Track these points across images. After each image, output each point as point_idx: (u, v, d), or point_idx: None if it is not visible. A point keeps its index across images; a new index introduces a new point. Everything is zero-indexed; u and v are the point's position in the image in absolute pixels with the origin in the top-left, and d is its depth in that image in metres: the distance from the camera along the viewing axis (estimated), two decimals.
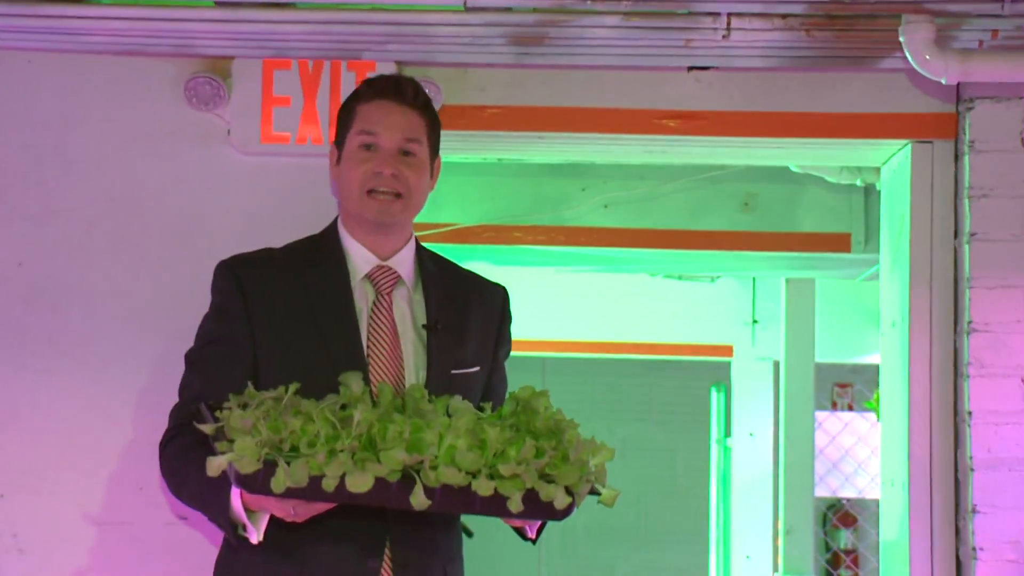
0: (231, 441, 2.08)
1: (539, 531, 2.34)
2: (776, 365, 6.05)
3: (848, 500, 8.27)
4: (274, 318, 2.35)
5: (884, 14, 2.84)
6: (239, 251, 2.48)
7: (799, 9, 2.84)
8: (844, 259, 4.75)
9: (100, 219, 3.02)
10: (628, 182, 4.54)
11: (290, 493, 2.07)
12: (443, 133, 2.50)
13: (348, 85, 3.02)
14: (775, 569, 6.11)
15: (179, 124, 3.05)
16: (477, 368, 2.41)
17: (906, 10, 2.82)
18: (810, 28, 2.88)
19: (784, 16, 2.87)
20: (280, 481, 2.05)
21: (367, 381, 2.26)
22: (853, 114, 3.11)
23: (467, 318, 2.43)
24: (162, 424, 2.94)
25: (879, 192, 3.48)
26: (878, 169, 3.45)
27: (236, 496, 2.18)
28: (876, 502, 4.85)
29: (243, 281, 2.37)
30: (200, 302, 2.91)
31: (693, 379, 8.36)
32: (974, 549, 2.98)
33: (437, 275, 2.46)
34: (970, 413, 3.02)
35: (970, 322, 3.03)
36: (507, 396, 2.31)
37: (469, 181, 4.48)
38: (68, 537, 2.94)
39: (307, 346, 2.32)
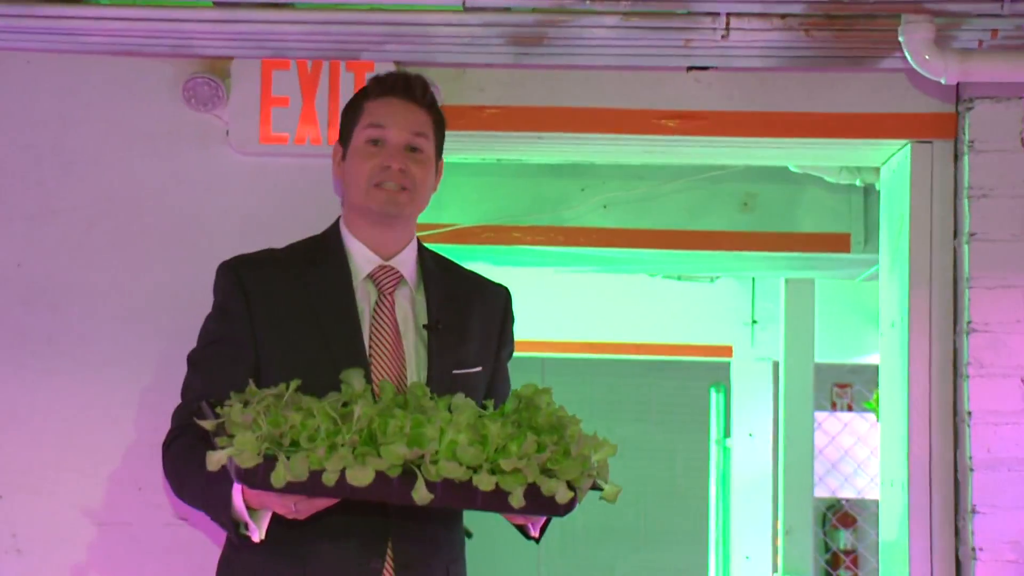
0: (231, 436, 2.07)
1: (542, 530, 2.33)
2: (775, 365, 6.05)
3: (847, 500, 8.27)
4: (276, 318, 2.35)
5: (883, 14, 2.84)
6: (238, 251, 2.48)
7: (798, 9, 2.84)
8: (843, 259, 4.75)
9: (99, 219, 3.02)
10: (627, 182, 4.54)
11: (291, 488, 2.06)
12: None
13: (347, 85, 3.02)
14: (774, 569, 6.11)
15: (178, 124, 3.04)
16: (479, 368, 2.41)
17: (906, 10, 2.82)
18: (809, 28, 2.88)
19: (783, 16, 2.87)
20: (280, 475, 2.04)
21: (369, 380, 2.26)
22: (852, 114, 3.11)
23: (469, 318, 2.43)
24: (162, 424, 2.94)
25: (878, 192, 3.48)
26: (877, 169, 3.45)
27: (238, 494, 2.17)
28: (875, 502, 4.85)
29: (245, 281, 2.37)
30: (199, 302, 2.91)
31: (692, 379, 8.36)
32: (974, 549, 2.98)
33: (439, 275, 2.46)
34: (970, 413, 3.01)
35: (969, 322, 3.03)
36: (510, 394, 2.30)
37: (468, 181, 4.48)
38: (67, 537, 2.94)
39: (309, 346, 2.33)
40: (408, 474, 2.08)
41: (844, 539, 8.65)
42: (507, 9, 2.86)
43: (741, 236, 4.63)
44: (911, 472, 3.07)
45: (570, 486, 2.12)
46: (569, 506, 2.12)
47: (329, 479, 2.05)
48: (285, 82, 3.03)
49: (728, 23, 2.88)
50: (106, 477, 2.95)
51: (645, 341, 6.31)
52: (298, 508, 2.14)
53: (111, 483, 2.96)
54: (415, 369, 2.36)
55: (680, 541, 8.83)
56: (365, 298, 2.39)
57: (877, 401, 3.51)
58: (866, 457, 7.16)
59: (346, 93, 3.01)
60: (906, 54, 2.87)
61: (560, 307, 5.98)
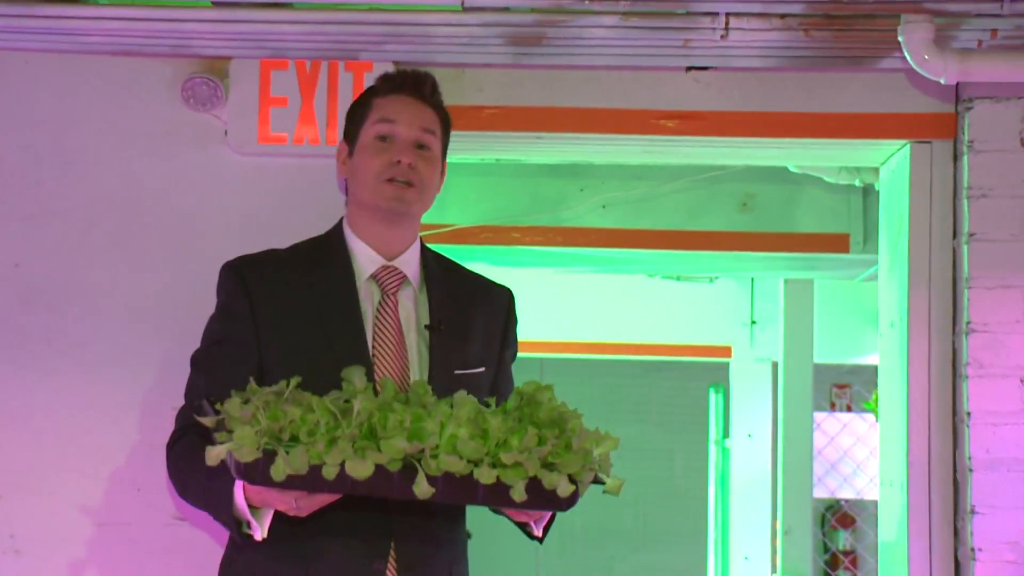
0: (230, 432, 2.07)
1: (546, 529, 2.33)
2: (774, 366, 6.05)
3: (846, 501, 8.28)
4: (280, 318, 2.35)
5: (883, 14, 2.84)
6: (237, 251, 2.47)
7: (798, 9, 2.84)
8: (843, 259, 4.75)
9: (98, 219, 3.02)
10: (626, 182, 4.54)
11: (291, 483, 2.06)
12: None
13: (346, 85, 3.02)
14: (773, 570, 6.11)
15: (176, 124, 3.04)
16: (482, 369, 2.41)
17: (905, 10, 2.81)
18: (809, 28, 2.88)
19: (783, 16, 2.87)
20: (280, 469, 2.04)
21: (372, 380, 2.25)
22: (852, 114, 3.11)
23: (471, 319, 2.43)
24: (161, 424, 2.94)
25: (878, 192, 3.48)
26: (877, 169, 3.44)
27: (239, 492, 2.17)
28: (874, 503, 4.85)
29: (248, 281, 2.37)
30: (198, 302, 2.91)
31: (691, 380, 8.37)
32: (973, 550, 2.98)
33: (441, 276, 2.46)
34: (969, 414, 3.01)
35: (969, 322, 3.03)
36: (512, 392, 2.29)
37: (467, 182, 4.48)
38: (66, 538, 2.94)
39: (312, 346, 2.32)
40: (409, 468, 2.07)
41: (843, 540, 8.65)
42: (506, 9, 2.86)
43: (740, 236, 4.63)
44: (910, 472, 3.07)
45: (572, 480, 2.11)
46: (571, 500, 2.11)
47: (329, 472, 2.04)
48: (284, 82, 3.03)
49: (727, 23, 2.87)
50: (105, 477, 2.95)
51: (644, 341, 6.32)
52: (299, 505, 2.13)
53: (110, 483, 2.95)
54: (418, 369, 2.35)
55: (679, 541, 8.83)
56: (368, 298, 2.38)
57: (876, 401, 3.51)
58: (865, 457, 7.16)
59: (345, 93, 3.01)
60: (905, 54, 2.86)
61: (559, 307, 5.98)
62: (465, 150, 3.32)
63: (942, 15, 2.82)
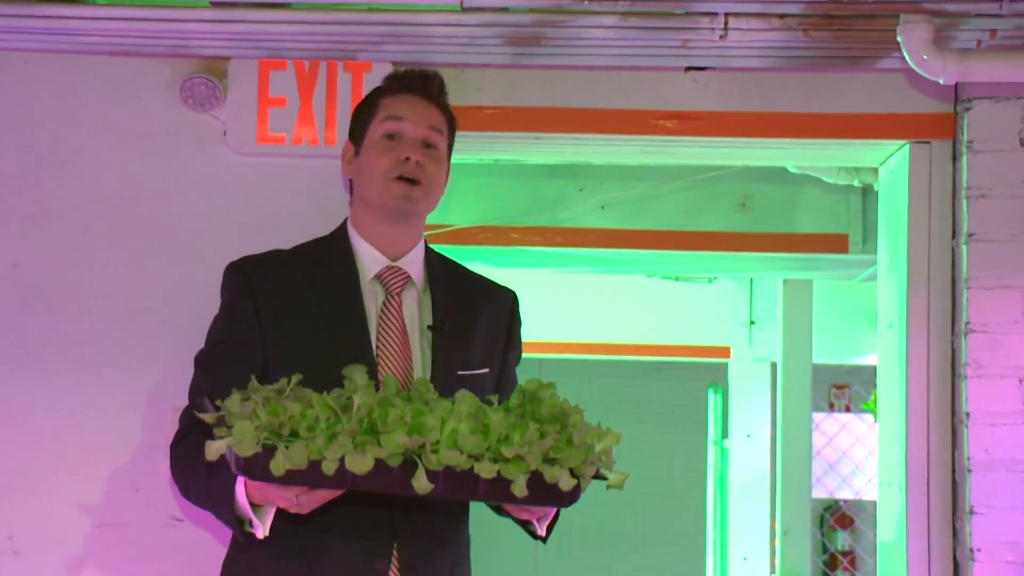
0: (231, 427, 2.07)
1: (549, 528, 2.32)
2: (773, 366, 6.05)
3: (845, 501, 8.27)
4: (283, 318, 2.35)
5: (882, 14, 2.84)
6: (235, 252, 2.47)
7: (797, 9, 2.84)
8: (842, 260, 4.75)
9: (96, 220, 3.02)
10: (625, 183, 4.54)
11: (291, 478, 2.05)
12: None
13: (344, 85, 3.02)
14: (772, 570, 6.11)
15: (175, 125, 3.04)
16: (485, 370, 2.41)
17: (904, 10, 2.81)
18: (808, 28, 2.88)
19: (782, 16, 2.86)
20: (279, 463, 2.03)
21: (375, 380, 2.25)
22: (851, 114, 3.11)
23: (474, 320, 2.43)
24: (160, 425, 2.95)
25: (877, 193, 3.48)
26: (876, 170, 3.44)
27: (240, 489, 2.17)
28: (873, 503, 4.84)
29: (253, 282, 2.37)
30: (197, 302, 2.91)
31: (690, 380, 8.36)
32: (971, 550, 2.98)
33: (445, 277, 2.46)
34: (967, 414, 3.01)
35: (968, 323, 3.03)
36: (515, 390, 2.28)
37: (465, 182, 4.48)
38: (64, 538, 2.94)
39: (316, 346, 2.32)
40: (409, 464, 2.07)
41: (842, 540, 8.65)
42: (505, 9, 2.85)
43: (739, 237, 4.63)
44: (909, 473, 3.07)
45: (573, 474, 2.10)
46: (573, 495, 2.11)
47: (328, 467, 2.04)
48: (282, 82, 3.03)
49: (726, 23, 2.87)
50: (104, 478, 2.95)
51: (643, 342, 6.31)
52: (300, 501, 2.13)
53: (108, 484, 2.95)
54: (421, 370, 2.36)
55: (678, 542, 8.83)
56: (372, 299, 2.39)
57: (875, 402, 3.51)
58: (864, 458, 7.16)
59: (344, 93, 3.01)
60: (904, 54, 2.86)
61: (558, 308, 5.98)
62: (464, 150, 3.30)
63: (941, 15, 2.82)
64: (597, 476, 2.16)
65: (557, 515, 2.33)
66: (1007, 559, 2.97)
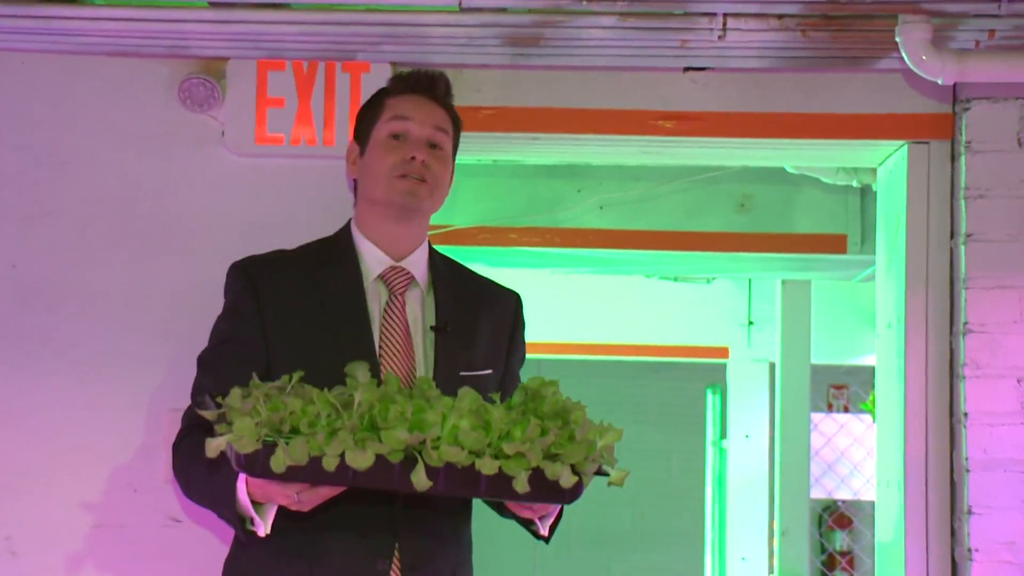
0: (231, 424, 2.06)
1: (552, 528, 2.32)
2: (772, 367, 6.05)
3: (843, 502, 8.27)
4: (287, 318, 2.35)
5: (880, 14, 2.84)
6: (233, 252, 2.47)
7: (795, 9, 2.84)
8: (840, 260, 4.75)
9: (94, 220, 3.02)
10: (624, 183, 4.54)
11: (291, 475, 2.05)
12: None
13: (343, 86, 3.02)
14: (770, 571, 6.11)
15: (173, 125, 3.04)
16: (488, 371, 2.41)
17: (903, 10, 2.81)
18: (806, 28, 2.88)
19: (780, 16, 2.86)
20: (279, 460, 2.03)
21: (377, 379, 2.24)
22: (849, 115, 3.11)
23: (478, 321, 2.43)
24: (158, 425, 2.95)
25: (875, 193, 3.48)
26: (874, 170, 3.44)
27: (242, 486, 2.16)
28: (872, 503, 4.85)
29: (256, 281, 2.37)
30: (195, 303, 2.91)
31: (689, 381, 8.36)
32: (969, 550, 2.98)
33: (449, 278, 2.46)
34: (966, 414, 3.01)
35: (966, 323, 3.03)
36: (517, 388, 2.27)
37: (464, 183, 4.48)
38: (62, 539, 2.94)
39: (319, 346, 2.32)
40: (410, 460, 2.06)
41: (840, 540, 8.65)
42: (503, 10, 2.85)
43: (737, 237, 4.63)
44: (907, 473, 3.07)
45: (574, 471, 2.10)
46: (575, 492, 2.10)
47: (329, 463, 2.03)
48: (281, 83, 3.03)
49: (725, 23, 2.87)
50: (101, 478, 2.95)
51: (641, 342, 6.32)
52: (301, 498, 2.12)
53: (106, 484, 2.95)
54: (424, 370, 2.35)
55: (676, 542, 8.84)
56: (375, 299, 2.38)
57: (873, 402, 3.51)
58: (862, 458, 7.16)
59: (342, 94, 3.01)
60: (903, 54, 2.86)
61: (556, 308, 5.98)
62: (462, 151, 3.29)
63: (940, 15, 2.82)
64: (599, 473, 2.15)
65: (560, 515, 2.32)
66: (1005, 559, 2.97)
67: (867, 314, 4.39)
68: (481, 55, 3.03)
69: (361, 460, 2.03)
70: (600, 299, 6.10)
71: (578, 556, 8.99)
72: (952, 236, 3.10)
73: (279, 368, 2.29)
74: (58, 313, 2.99)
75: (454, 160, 2.49)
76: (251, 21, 2.90)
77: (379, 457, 2.05)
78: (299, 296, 2.36)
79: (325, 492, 2.13)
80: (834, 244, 4.62)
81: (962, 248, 3.05)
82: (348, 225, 2.47)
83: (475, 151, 3.40)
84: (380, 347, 2.34)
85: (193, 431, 2.31)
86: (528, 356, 2.61)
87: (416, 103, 2.43)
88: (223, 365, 2.34)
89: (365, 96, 2.94)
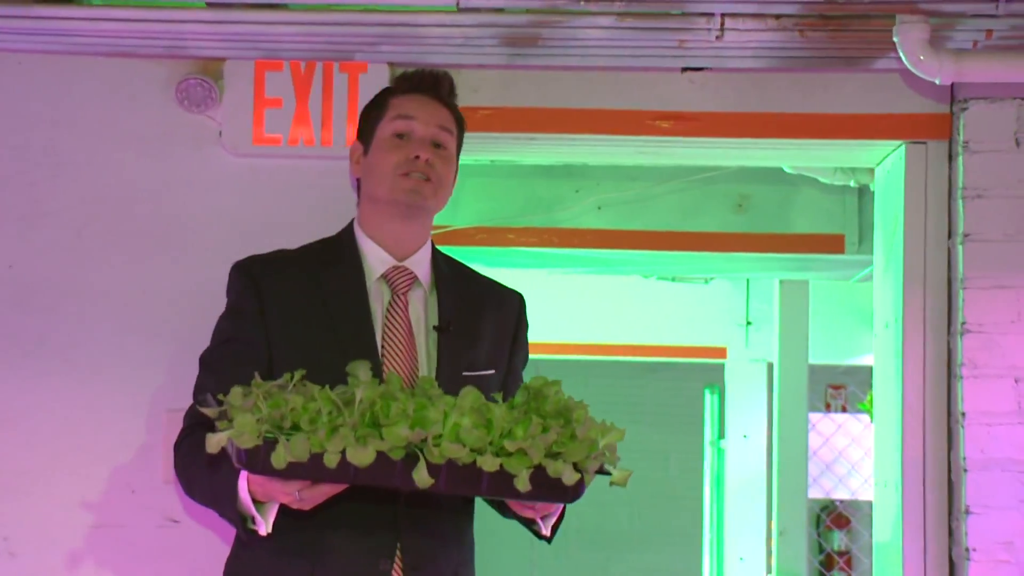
0: (232, 421, 2.06)
1: (554, 529, 2.32)
2: (770, 367, 6.05)
3: (841, 501, 8.28)
4: (289, 318, 2.35)
5: (878, 14, 2.84)
6: (231, 253, 2.47)
7: (793, 9, 2.84)
8: (838, 260, 4.75)
9: (91, 221, 3.01)
10: (621, 183, 4.54)
11: (292, 471, 2.04)
12: None
13: (340, 86, 3.01)
14: (768, 570, 6.11)
15: (170, 126, 3.04)
16: (491, 372, 2.40)
17: (900, 10, 2.81)
18: (804, 28, 2.88)
19: (778, 16, 2.86)
20: (280, 456, 2.02)
21: (380, 380, 2.23)
22: (847, 115, 3.11)
23: (481, 321, 2.42)
24: (155, 426, 2.94)
25: (873, 193, 3.48)
26: (872, 170, 3.44)
27: (243, 485, 2.16)
28: (869, 503, 4.86)
29: (258, 281, 2.37)
30: (192, 304, 2.91)
31: (687, 381, 8.36)
32: (967, 550, 2.98)
33: (452, 278, 2.46)
34: (963, 414, 3.01)
35: (964, 323, 3.03)
36: (519, 388, 2.26)
37: (461, 183, 4.43)
38: (60, 539, 2.93)
39: (322, 346, 2.32)
40: (411, 458, 2.05)
41: (838, 540, 8.65)
42: (501, 10, 2.85)
43: (735, 237, 4.63)
44: (905, 473, 3.07)
45: (576, 469, 2.09)
46: (576, 490, 2.09)
47: (330, 460, 2.03)
48: (278, 83, 3.02)
49: (723, 23, 2.87)
50: (99, 479, 2.95)
51: (639, 342, 6.32)
52: (302, 496, 2.12)
53: (104, 485, 2.95)
54: (426, 370, 2.35)
55: (674, 542, 8.84)
56: (378, 298, 2.38)
57: (871, 402, 3.51)
58: (860, 458, 7.17)
59: (340, 94, 3.01)
60: (900, 54, 2.86)
61: (554, 309, 5.98)
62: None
63: (937, 15, 2.82)
64: (601, 472, 2.14)
65: (562, 515, 2.32)
66: (1002, 559, 2.97)
67: (865, 314, 4.39)
68: (478, 55, 3.03)
69: (362, 456, 2.03)
70: (598, 299, 6.10)
71: (576, 556, 8.99)
72: (950, 236, 3.10)
73: (281, 368, 2.27)
74: (55, 313, 2.98)
75: (458, 160, 2.48)
76: (248, 21, 2.90)
77: (380, 454, 2.04)
78: (301, 296, 2.36)
79: (326, 490, 2.12)
80: (832, 244, 4.62)
81: (960, 248, 3.05)
82: (351, 225, 2.47)
83: (472, 151, 3.39)
84: (382, 347, 2.34)
85: (195, 430, 2.31)
86: None
87: (420, 102, 2.43)
88: (225, 365, 2.33)
89: (363, 96, 2.96)
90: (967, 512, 2.98)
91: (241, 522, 2.21)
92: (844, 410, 8.18)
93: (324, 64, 3.02)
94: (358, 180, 2.48)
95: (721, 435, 6.70)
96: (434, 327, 2.38)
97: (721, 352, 6.33)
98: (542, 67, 3.09)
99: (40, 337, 2.98)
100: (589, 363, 7.55)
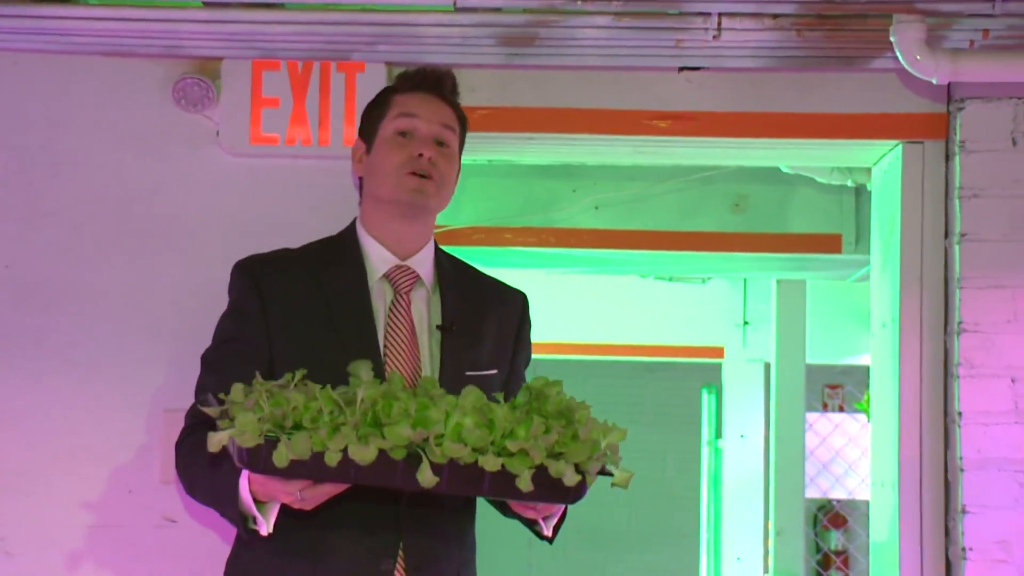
0: (233, 419, 2.05)
1: (556, 529, 2.31)
2: (767, 366, 6.05)
3: (838, 501, 8.28)
4: (291, 317, 2.34)
5: (875, 14, 2.84)
6: (228, 253, 2.47)
7: (790, 9, 2.84)
8: (835, 260, 4.76)
9: (88, 221, 3.01)
10: (618, 183, 4.54)
11: (294, 470, 2.04)
12: None
13: (337, 86, 3.01)
14: (765, 570, 6.12)
15: (168, 125, 3.04)
16: (494, 371, 2.40)
17: (897, 10, 2.82)
18: (801, 28, 2.88)
19: (775, 16, 2.87)
20: (282, 455, 2.02)
21: (381, 378, 2.23)
22: (844, 114, 3.11)
23: (484, 321, 2.42)
24: (152, 426, 2.94)
25: (870, 193, 3.48)
26: (869, 170, 3.45)
27: (244, 484, 2.16)
28: (866, 503, 4.85)
29: (260, 280, 2.36)
30: (190, 303, 2.91)
31: (684, 380, 8.36)
32: (963, 549, 2.98)
33: (455, 277, 2.45)
34: (960, 413, 3.02)
35: (960, 322, 3.03)
36: (521, 388, 2.26)
37: (459, 183, 4.47)
38: (57, 539, 2.93)
39: (323, 345, 2.31)
40: (413, 458, 2.05)
41: (835, 540, 8.66)
42: (498, 9, 2.85)
43: (732, 237, 4.63)
44: (901, 472, 3.07)
45: (578, 470, 2.09)
46: (578, 491, 2.09)
47: (332, 459, 2.02)
48: (275, 83, 3.02)
49: (720, 23, 2.88)
50: (96, 479, 2.94)
51: (637, 342, 6.32)
52: (304, 496, 2.11)
53: (101, 485, 2.95)
54: (429, 370, 2.34)
55: (671, 542, 8.84)
56: (380, 298, 2.37)
57: (868, 402, 3.51)
58: (857, 458, 7.17)
59: (337, 94, 3.01)
60: (897, 54, 2.87)
61: (551, 309, 5.98)
62: None
63: (934, 15, 2.83)
64: (602, 473, 2.14)
65: (564, 515, 2.31)
66: (999, 558, 2.97)
67: (862, 314, 4.39)
68: (476, 55, 3.03)
69: (364, 454, 2.02)
70: (595, 299, 6.10)
71: (573, 556, 8.99)
72: (946, 236, 3.10)
73: (283, 367, 2.26)
74: (53, 313, 2.98)
75: (460, 158, 2.48)
76: (245, 21, 2.90)
77: (382, 454, 2.04)
78: (303, 295, 2.35)
79: (328, 490, 2.12)
80: (829, 244, 4.62)
81: (956, 248, 3.05)
82: (353, 224, 2.46)
83: (470, 151, 3.39)
84: (385, 346, 2.33)
85: (196, 430, 2.30)
86: None
87: (423, 100, 2.42)
88: (226, 364, 2.33)
89: (360, 96, 2.96)
90: (964, 511, 2.98)
91: (242, 522, 2.20)
92: (841, 410, 8.19)
93: (321, 64, 3.02)
94: (360, 179, 2.48)
95: (718, 435, 6.70)
96: (437, 326, 2.37)
97: (718, 352, 6.33)
98: (539, 67, 3.09)
99: (38, 337, 2.98)
100: (587, 363, 7.55)
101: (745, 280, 6.14)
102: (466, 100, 3.07)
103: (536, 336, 2.57)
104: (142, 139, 3.03)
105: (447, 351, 2.35)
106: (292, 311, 2.34)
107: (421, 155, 2.36)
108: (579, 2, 2.81)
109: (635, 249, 4.67)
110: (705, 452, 6.95)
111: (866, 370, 3.93)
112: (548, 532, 2.31)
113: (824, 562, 8.60)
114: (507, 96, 3.11)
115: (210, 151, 3.04)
